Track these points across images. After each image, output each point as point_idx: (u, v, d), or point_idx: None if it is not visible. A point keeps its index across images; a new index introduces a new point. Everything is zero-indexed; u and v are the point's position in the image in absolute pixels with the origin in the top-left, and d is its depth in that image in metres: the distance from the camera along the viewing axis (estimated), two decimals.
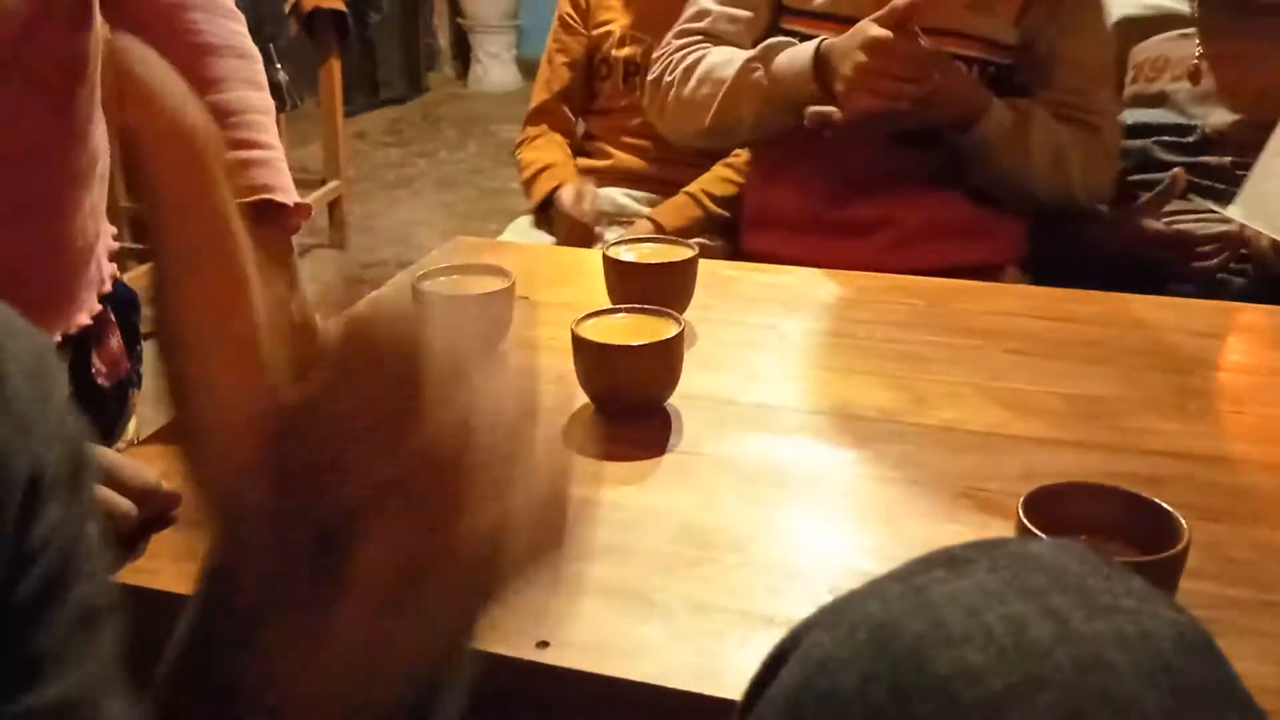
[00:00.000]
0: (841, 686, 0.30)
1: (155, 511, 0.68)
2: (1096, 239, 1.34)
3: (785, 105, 1.27)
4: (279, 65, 2.78)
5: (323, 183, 3.28)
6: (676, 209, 1.55)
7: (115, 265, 0.96)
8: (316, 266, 3.21)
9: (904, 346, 0.99)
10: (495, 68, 5.33)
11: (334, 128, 3.31)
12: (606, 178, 1.67)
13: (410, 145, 4.55)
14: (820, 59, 1.23)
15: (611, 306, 0.91)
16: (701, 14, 1.38)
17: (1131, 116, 1.44)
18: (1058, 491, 0.63)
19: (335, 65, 3.24)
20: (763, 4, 1.36)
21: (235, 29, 0.91)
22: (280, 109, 2.82)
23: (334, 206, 3.34)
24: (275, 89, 2.88)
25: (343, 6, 3.02)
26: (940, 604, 0.30)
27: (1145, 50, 1.47)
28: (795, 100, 1.26)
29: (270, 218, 0.88)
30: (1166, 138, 1.42)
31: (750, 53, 1.29)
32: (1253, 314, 1.07)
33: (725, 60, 1.31)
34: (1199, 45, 1.42)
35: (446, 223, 3.63)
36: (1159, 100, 1.45)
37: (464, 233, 3.58)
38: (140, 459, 0.76)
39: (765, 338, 1.01)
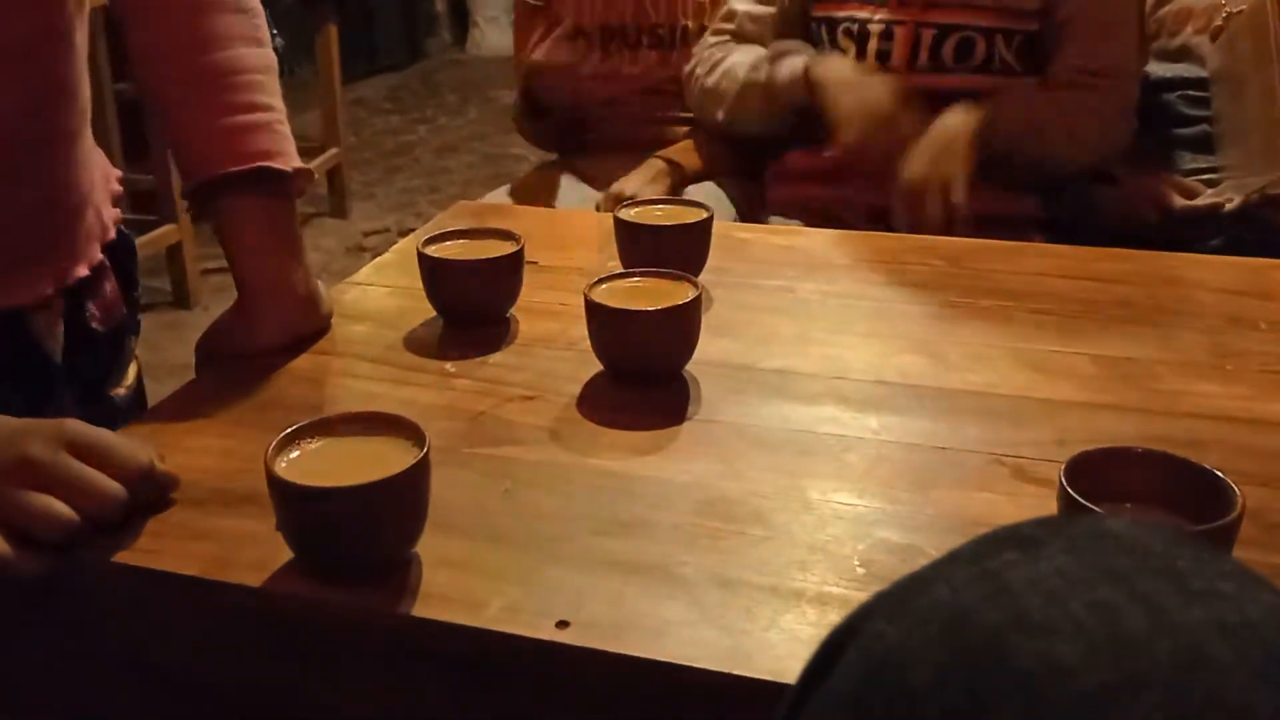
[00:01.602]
0: (912, 683, 0.27)
1: (151, 493, 0.65)
2: (1113, 200, 1.31)
3: (787, 107, 1.37)
4: (275, 32, 2.71)
5: (322, 150, 3.23)
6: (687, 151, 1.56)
7: (119, 209, 0.93)
8: (318, 235, 3.17)
9: (927, 308, 0.96)
10: (493, 32, 5.27)
11: (332, 95, 3.26)
12: None
13: (410, 112, 4.49)
14: (811, 83, 1.32)
15: (625, 270, 0.88)
16: (730, 14, 1.46)
17: (1156, 70, 1.40)
18: (1099, 458, 0.60)
19: (333, 32, 3.19)
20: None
21: None
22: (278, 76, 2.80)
23: (334, 174, 3.30)
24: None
25: None
26: (1018, 590, 0.27)
27: (1168, 4, 1.43)
28: (794, 105, 1.35)
29: (270, 185, 0.84)
30: (1191, 92, 1.39)
31: (763, 53, 1.38)
32: None
33: (742, 61, 1.40)
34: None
35: (449, 189, 3.59)
36: (1183, 54, 1.41)
37: (466, 198, 3.54)
38: (141, 436, 0.73)
39: (783, 301, 0.98)
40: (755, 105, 1.39)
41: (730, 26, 1.45)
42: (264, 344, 0.86)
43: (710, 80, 1.44)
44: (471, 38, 5.37)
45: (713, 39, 1.46)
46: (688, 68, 1.50)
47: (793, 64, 1.33)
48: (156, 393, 0.98)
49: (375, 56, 5.01)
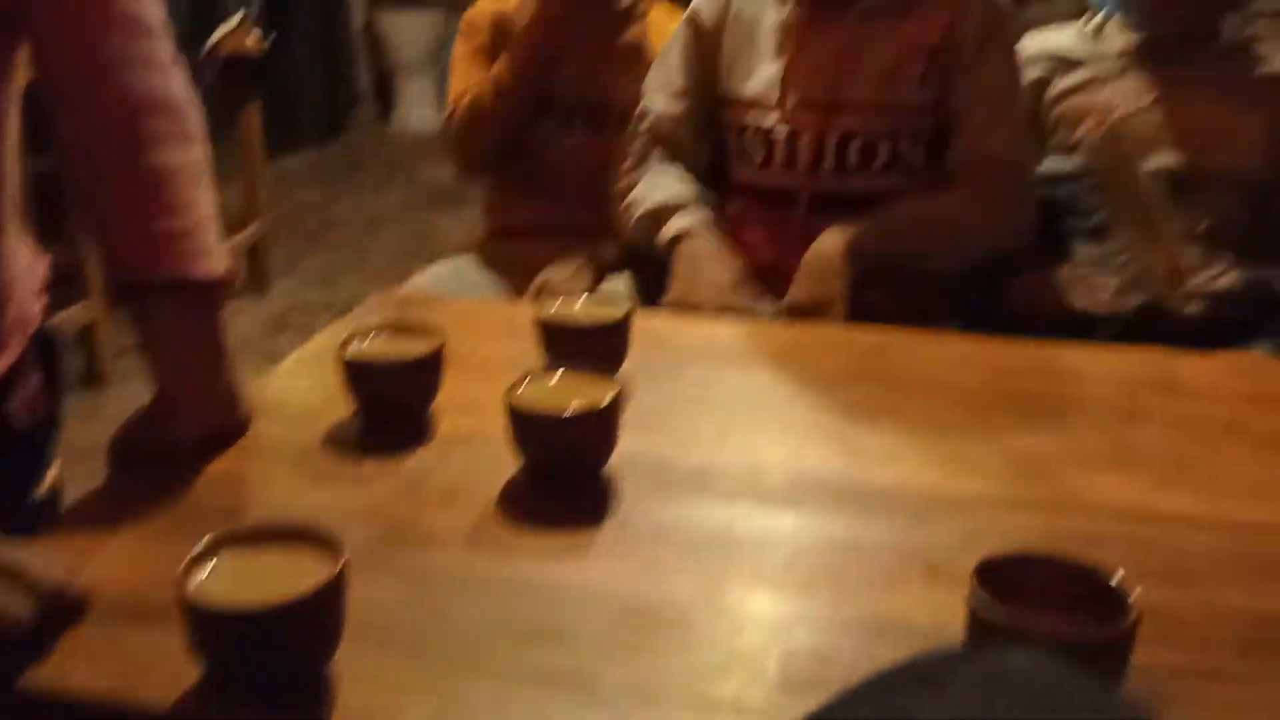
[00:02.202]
0: None
1: (62, 611, 0.64)
2: (1017, 293, 1.36)
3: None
4: None
5: (243, 225, 3.21)
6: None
7: (46, 299, 0.92)
8: (237, 311, 3.13)
9: (843, 400, 0.98)
10: (418, 109, 5.30)
11: (254, 170, 3.25)
12: None
13: (333, 186, 4.48)
14: (674, 251, 1.35)
15: (545, 369, 0.88)
16: (643, 114, 1.48)
17: (1053, 166, 1.46)
18: (1007, 562, 0.62)
19: (254, 109, 3.18)
20: (699, 97, 1.45)
21: (168, 80, 0.87)
22: None
23: (255, 250, 3.27)
24: None
25: (262, 50, 2.97)
26: None
27: (1066, 101, 1.49)
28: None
29: (194, 288, 0.84)
30: (1088, 185, 1.45)
31: (656, 199, 1.40)
32: (1182, 362, 1.08)
33: (644, 197, 1.42)
34: (1115, 96, 1.44)
35: (372, 264, 3.58)
36: (1078, 149, 1.47)
37: (388, 273, 3.54)
38: (54, 547, 0.71)
39: (702, 394, 0.99)
40: (644, 244, 1.42)
41: (644, 128, 1.47)
42: (181, 446, 0.85)
43: (622, 198, 1.46)
44: (396, 114, 5.39)
45: (632, 147, 1.48)
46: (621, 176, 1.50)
47: (669, 228, 1.36)
48: (68, 476, 0.96)
49: (298, 131, 5.00)
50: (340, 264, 3.56)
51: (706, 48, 1.44)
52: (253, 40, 2.96)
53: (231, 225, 3.20)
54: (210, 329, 0.87)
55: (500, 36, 1.61)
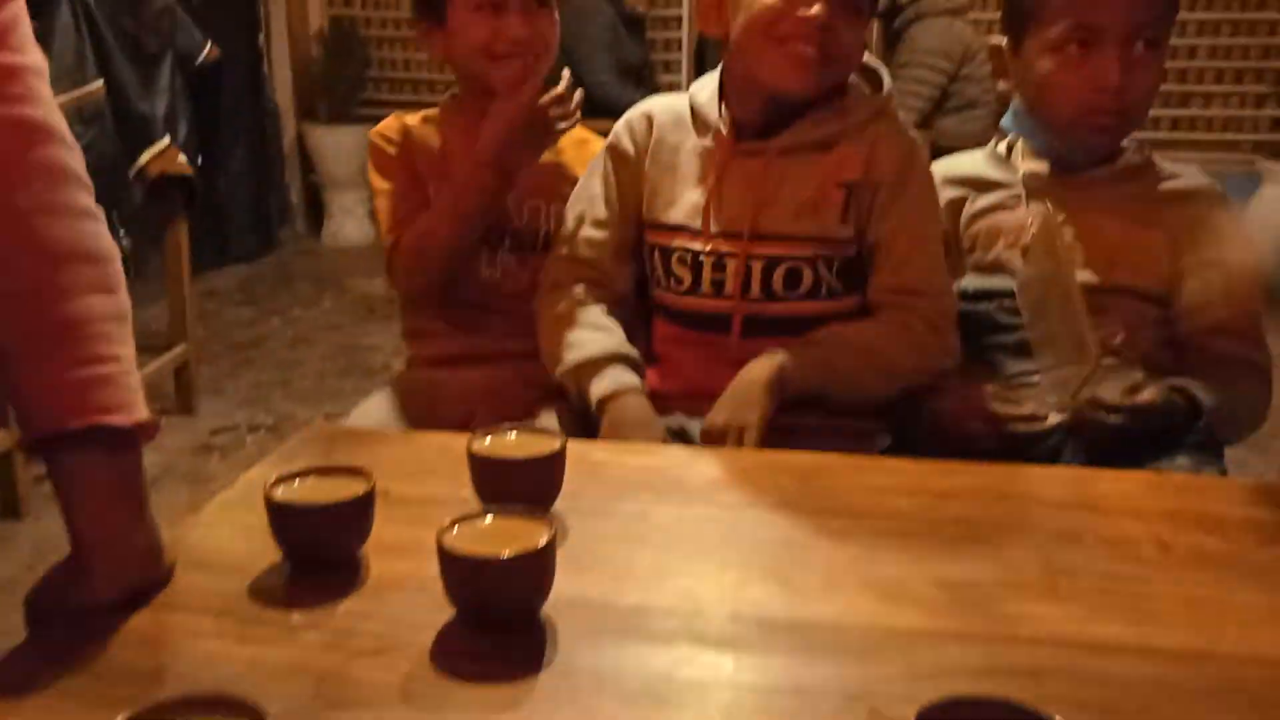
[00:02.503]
0: None
1: None
2: (943, 413, 1.37)
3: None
4: (121, 231, 2.69)
5: (168, 347, 3.16)
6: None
7: None
8: (163, 434, 3.04)
9: (778, 532, 0.98)
10: (349, 223, 5.32)
11: (180, 290, 3.22)
12: None
13: (262, 303, 4.45)
14: (600, 410, 1.34)
15: (479, 509, 0.87)
16: (565, 238, 1.47)
17: (974, 284, 1.50)
18: (946, 708, 0.62)
19: (182, 227, 3.17)
20: (624, 222, 1.46)
21: (86, 228, 0.86)
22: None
23: (180, 371, 3.22)
24: None
25: (190, 171, 2.97)
26: None
27: (979, 222, 1.53)
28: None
29: (110, 438, 0.82)
30: (1007, 302, 1.49)
31: (581, 354, 1.37)
32: (1107, 480, 1.10)
33: (570, 345, 1.38)
34: (1028, 216, 1.49)
35: (300, 382, 3.54)
36: (996, 268, 1.51)
37: (318, 391, 3.50)
38: None
39: (638, 529, 0.99)
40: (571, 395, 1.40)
41: (565, 253, 1.46)
42: (100, 601, 0.82)
43: (547, 336, 1.42)
44: (327, 228, 5.39)
45: (555, 266, 1.47)
46: (539, 294, 1.47)
47: (595, 389, 1.34)
48: None
49: (227, 247, 4.98)
50: (268, 383, 3.51)
51: (629, 174, 1.46)
52: (181, 161, 2.96)
53: (156, 348, 3.17)
54: (129, 480, 0.85)
55: (414, 154, 1.55)
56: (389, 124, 1.58)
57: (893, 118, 1.41)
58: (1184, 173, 1.49)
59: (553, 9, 1.50)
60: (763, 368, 1.29)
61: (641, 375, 1.37)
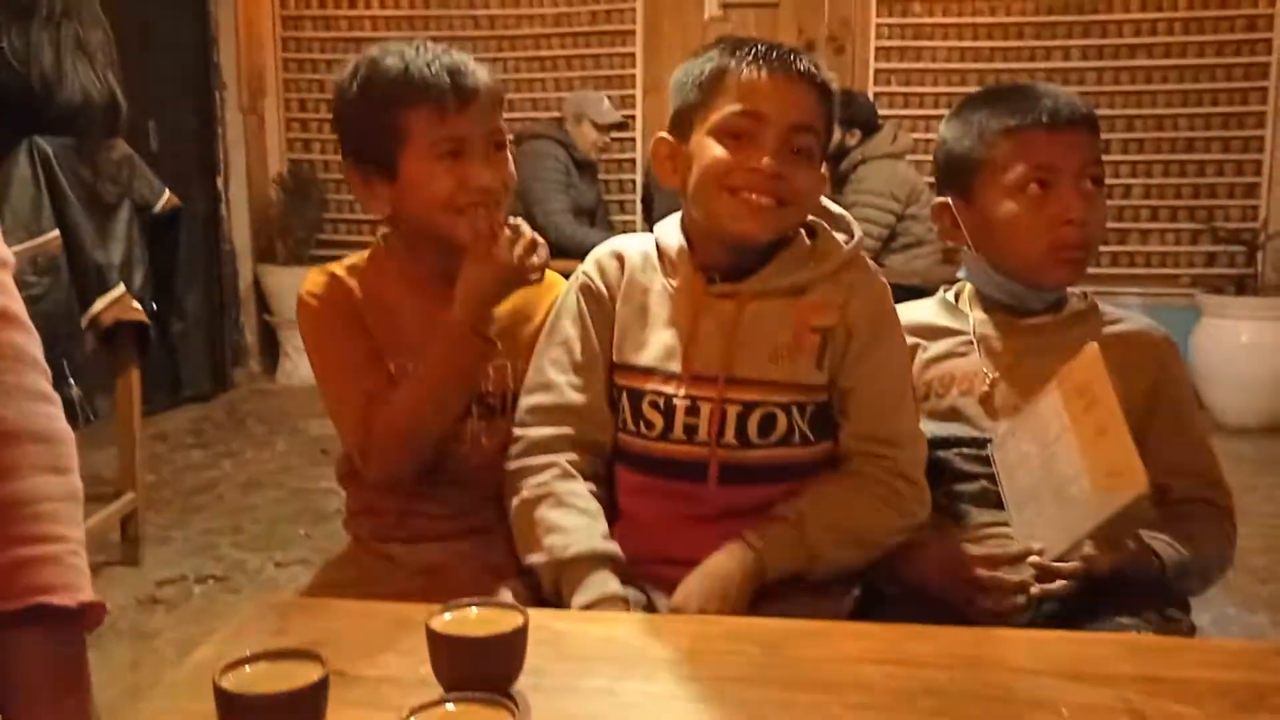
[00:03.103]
0: None
1: None
2: (916, 570, 1.36)
3: None
4: (72, 381, 2.65)
5: (116, 496, 3.09)
6: None
7: None
8: (106, 585, 2.96)
9: (745, 708, 0.96)
10: (304, 362, 5.26)
11: (130, 437, 3.16)
12: None
13: (214, 446, 4.39)
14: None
15: (438, 696, 0.84)
16: (541, 385, 1.39)
17: (930, 430, 1.50)
18: None
19: (134, 374, 3.13)
20: (599, 365, 1.40)
21: (39, 410, 0.85)
22: (73, 426, 2.69)
23: (127, 520, 3.14)
24: (67, 405, 2.74)
25: (144, 318, 2.95)
26: None
27: (933, 369, 1.55)
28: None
29: (52, 620, 0.79)
30: (965, 450, 1.49)
31: (565, 554, 1.29)
32: (1076, 643, 1.09)
33: (549, 529, 1.31)
34: (980, 362, 1.51)
35: (252, 528, 3.46)
36: (952, 415, 1.52)
37: (269, 538, 3.42)
38: None
39: (603, 706, 0.96)
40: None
41: (548, 401, 1.38)
42: None
43: (522, 515, 1.34)
44: (282, 368, 5.37)
45: (533, 417, 1.39)
46: (510, 455, 1.38)
47: (578, 598, 1.26)
48: None
49: (180, 388, 4.93)
50: (218, 530, 3.43)
51: (603, 315, 1.41)
52: (135, 308, 2.94)
53: (103, 496, 3.10)
54: (70, 666, 0.82)
55: (351, 307, 1.40)
56: (316, 281, 1.43)
57: (864, 266, 1.41)
58: (1126, 316, 1.53)
59: (508, 150, 1.42)
60: (738, 561, 1.26)
61: (621, 566, 1.30)
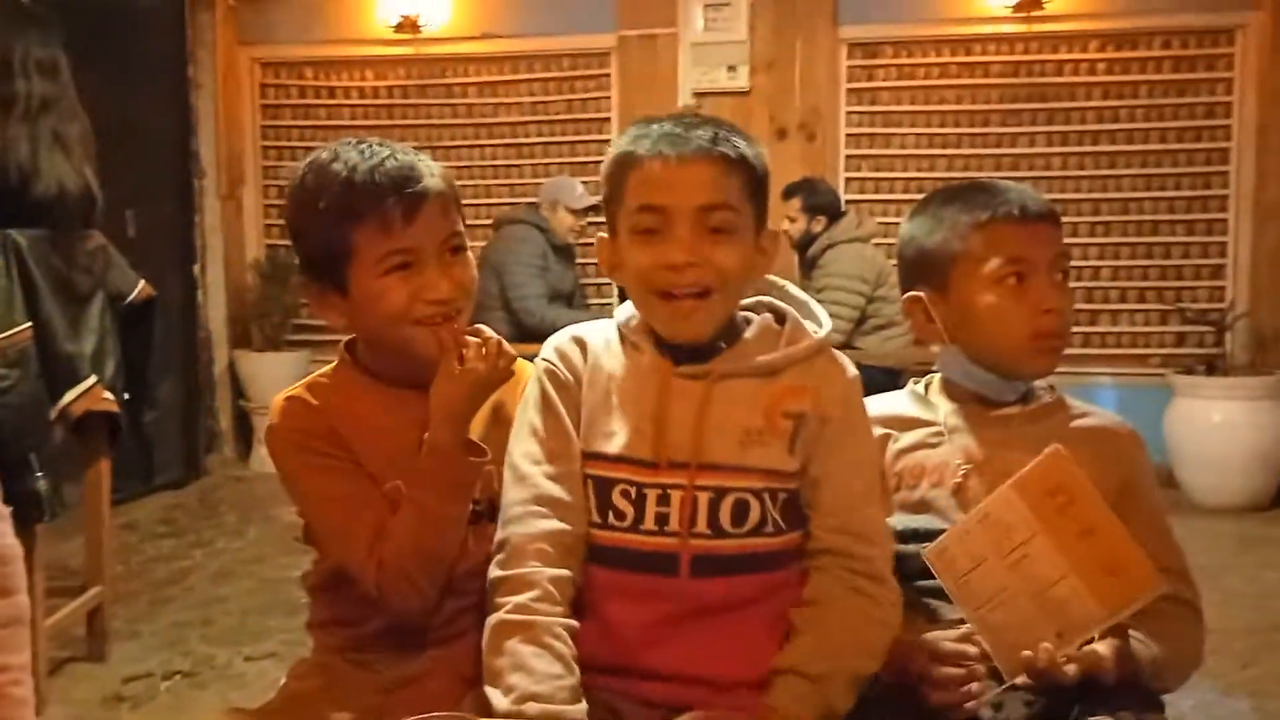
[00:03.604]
0: None
1: None
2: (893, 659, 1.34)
3: None
4: (39, 474, 2.62)
5: (83, 589, 3.02)
6: None
7: None
8: (69, 684, 2.88)
9: None
10: None
11: (99, 528, 3.10)
12: None
13: (185, 534, 4.33)
14: None
15: None
16: (522, 478, 1.33)
17: (901, 522, 1.49)
18: None
19: (104, 465, 3.09)
20: (573, 452, 1.35)
21: None
22: (38, 520, 2.65)
23: (94, 615, 3.07)
24: (34, 498, 2.70)
25: (115, 408, 2.92)
26: None
27: (904, 459, 1.54)
28: None
29: None
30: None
31: (524, 700, 1.20)
32: None
33: (512, 661, 1.24)
34: (952, 453, 1.51)
35: (223, 620, 3.40)
36: (923, 506, 1.51)
37: (240, 631, 3.35)
38: None
39: None
40: None
41: (525, 496, 1.32)
42: None
43: (493, 644, 1.26)
44: (256, 454, 5.32)
45: (514, 518, 1.32)
46: (495, 563, 1.31)
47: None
48: None
49: (152, 476, 4.86)
50: (187, 623, 3.36)
51: (570, 401, 1.36)
52: (106, 399, 2.92)
53: (70, 590, 3.04)
54: None
55: (334, 439, 1.34)
56: (284, 409, 1.37)
57: (834, 356, 1.39)
58: (1092, 410, 1.54)
59: (467, 253, 1.37)
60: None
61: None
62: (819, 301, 1.47)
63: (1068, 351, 1.58)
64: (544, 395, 1.36)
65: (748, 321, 1.39)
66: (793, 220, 4.74)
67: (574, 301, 4.97)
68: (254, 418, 5.37)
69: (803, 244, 4.76)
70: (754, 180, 1.32)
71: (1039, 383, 1.55)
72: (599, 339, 1.40)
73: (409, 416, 1.33)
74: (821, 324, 1.41)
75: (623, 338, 1.39)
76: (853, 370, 1.41)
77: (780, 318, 1.40)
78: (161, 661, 3.06)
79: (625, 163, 1.32)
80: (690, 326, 1.32)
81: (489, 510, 1.36)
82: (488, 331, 1.34)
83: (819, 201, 4.72)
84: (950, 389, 1.56)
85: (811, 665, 1.27)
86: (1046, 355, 1.48)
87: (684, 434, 1.31)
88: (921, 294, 1.55)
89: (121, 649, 3.13)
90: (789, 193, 4.79)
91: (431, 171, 1.33)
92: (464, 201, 1.43)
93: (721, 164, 1.29)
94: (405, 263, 1.30)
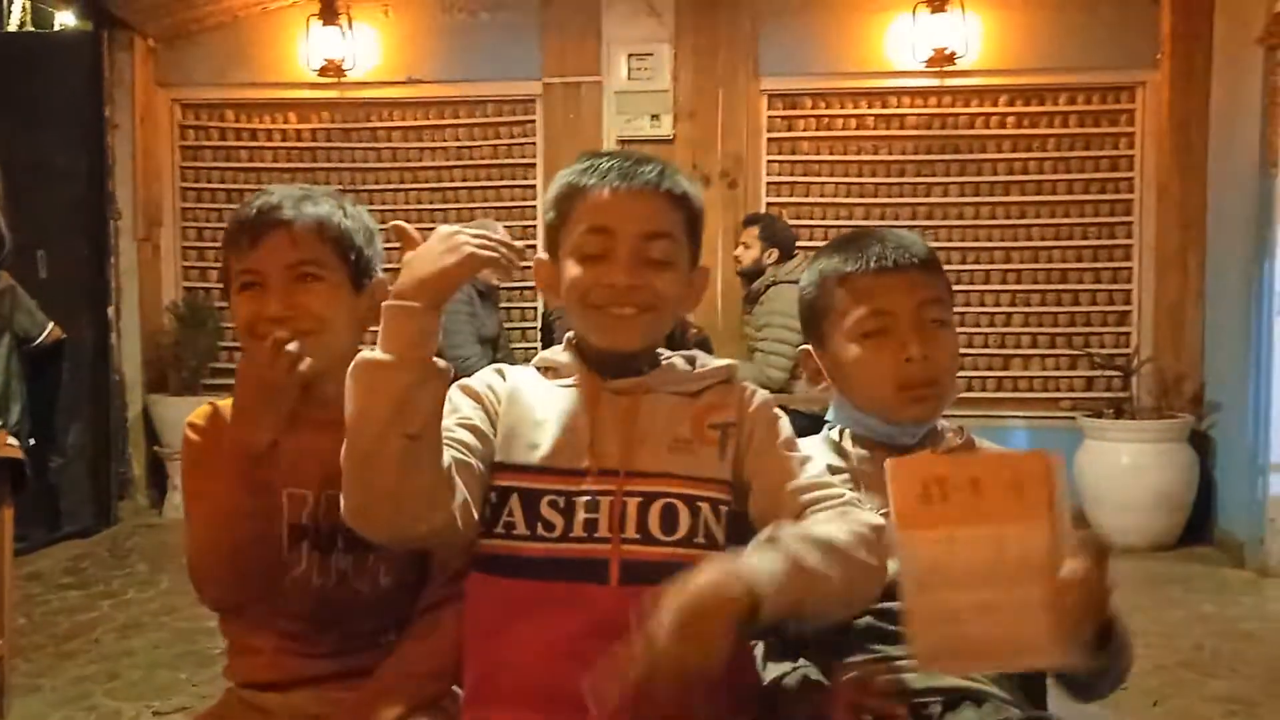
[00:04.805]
0: None
1: None
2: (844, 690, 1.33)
3: None
4: None
5: None
6: None
7: None
8: None
9: None
10: None
11: (0, 580, 3.00)
12: None
13: (93, 585, 4.20)
14: None
15: None
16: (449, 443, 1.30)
17: None
18: None
19: (7, 514, 2.99)
20: (488, 445, 1.33)
21: None
22: None
23: None
24: None
25: (18, 454, 2.84)
26: None
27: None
28: None
29: None
30: None
31: None
32: None
33: None
34: (866, 500, 1.52)
35: (130, 674, 3.30)
36: None
37: (148, 685, 3.25)
38: None
39: None
40: None
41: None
42: None
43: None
44: (170, 500, 5.20)
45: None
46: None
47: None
48: None
49: (59, 524, 4.73)
50: (92, 678, 3.26)
51: (483, 411, 1.35)
52: (11, 444, 2.84)
53: None
54: None
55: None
56: (201, 412, 1.47)
57: (746, 384, 1.43)
58: (1004, 451, 1.57)
59: (324, 280, 1.41)
60: (732, 587, 1.11)
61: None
62: (763, 339, 1.50)
63: (980, 395, 1.61)
64: (461, 393, 1.35)
65: (664, 358, 1.43)
66: (747, 247, 4.82)
67: (499, 345, 4.97)
68: (168, 464, 5.25)
69: (750, 274, 4.83)
70: (693, 217, 1.39)
71: (945, 425, 1.58)
72: (517, 372, 1.43)
73: (295, 430, 1.37)
74: (725, 364, 1.45)
75: (542, 371, 1.43)
76: (765, 393, 1.44)
77: (689, 360, 1.44)
78: (64, 717, 2.96)
79: (576, 188, 1.37)
80: (621, 335, 1.36)
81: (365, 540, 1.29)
82: (293, 345, 1.33)
83: (777, 236, 4.80)
84: (857, 436, 1.59)
85: (788, 536, 1.20)
86: (916, 405, 1.49)
87: (613, 442, 1.33)
88: (809, 346, 1.58)
89: (22, 705, 3.02)
90: (750, 221, 4.87)
91: (314, 205, 1.42)
92: (387, 245, 1.47)
93: (666, 199, 1.36)
94: (250, 282, 1.41)
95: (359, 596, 1.40)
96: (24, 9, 5.98)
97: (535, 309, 5.50)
